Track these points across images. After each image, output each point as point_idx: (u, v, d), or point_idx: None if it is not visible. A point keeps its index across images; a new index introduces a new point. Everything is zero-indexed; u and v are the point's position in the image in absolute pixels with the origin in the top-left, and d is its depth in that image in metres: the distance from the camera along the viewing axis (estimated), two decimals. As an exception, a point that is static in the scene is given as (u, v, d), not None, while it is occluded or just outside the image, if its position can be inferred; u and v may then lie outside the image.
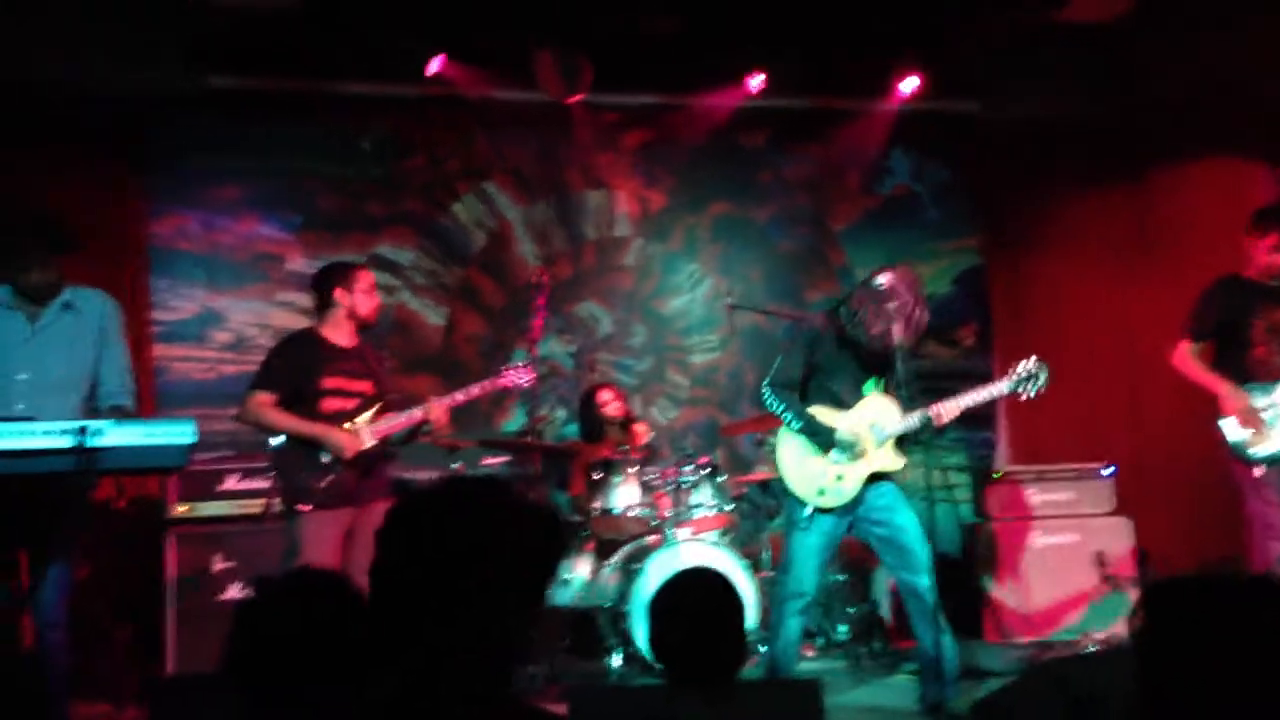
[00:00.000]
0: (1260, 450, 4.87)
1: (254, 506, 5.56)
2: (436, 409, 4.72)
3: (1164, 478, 7.17)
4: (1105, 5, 6.67)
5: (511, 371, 5.00)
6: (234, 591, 5.42)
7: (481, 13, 6.44)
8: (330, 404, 4.61)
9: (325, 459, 4.54)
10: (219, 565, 5.45)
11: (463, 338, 7.17)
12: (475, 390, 4.86)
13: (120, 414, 4.04)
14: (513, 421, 7.09)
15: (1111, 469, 6.38)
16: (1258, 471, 4.88)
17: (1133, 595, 6.12)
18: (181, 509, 5.56)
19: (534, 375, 5.06)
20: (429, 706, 1.54)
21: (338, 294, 4.73)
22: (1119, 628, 5.96)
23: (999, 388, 4.59)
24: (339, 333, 4.74)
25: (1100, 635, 5.95)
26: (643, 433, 6.35)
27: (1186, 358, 5.10)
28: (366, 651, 1.88)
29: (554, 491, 6.45)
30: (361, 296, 4.76)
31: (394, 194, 7.14)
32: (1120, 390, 7.50)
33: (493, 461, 6.19)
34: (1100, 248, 7.53)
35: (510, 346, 7.07)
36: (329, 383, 4.63)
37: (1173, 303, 6.84)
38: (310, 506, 4.50)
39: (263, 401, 4.58)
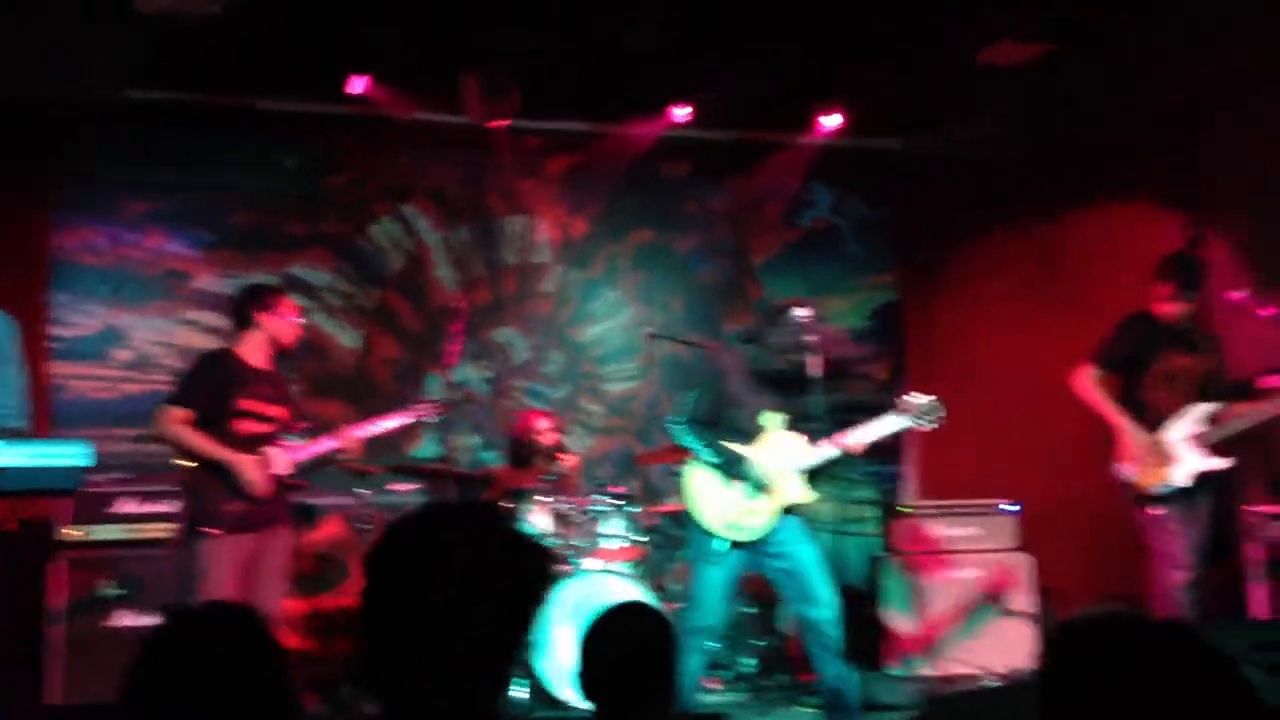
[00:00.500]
0: (1156, 488, 4.97)
1: (150, 531, 5.40)
2: (350, 438, 4.66)
3: (1068, 515, 7.29)
4: (1023, 50, 6.84)
5: (420, 405, 4.98)
6: (126, 619, 5.24)
7: (408, 33, 6.39)
8: (244, 426, 4.53)
9: (240, 483, 4.47)
10: (110, 591, 5.28)
11: (378, 361, 7.07)
12: (390, 423, 4.81)
13: (14, 436, 3.89)
14: (423, 448, 6.99)
15: (1016, 506, 6.46)
16: (1157, 511, 4.98)
17: (1032, 635, 6.20)
18: (74, 532, 5.38)
19: (441, 409, 5.04)
20: None
21: (260, 317, 4.65)
22: (1011, 661, 6.03)
23: (898, 420, 4.61)
24: (255, 355, 4.66)
25: (1000, 670, 6.01)
26: (571, 463, 6.30)
27: (1089, 384, 5.16)
28: (278, 688, 1.81)
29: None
30: (285, 323, 4.70)
31: (313, 213, 7.04)
32: (1027, 427, 7.62)
33: (403, 488, 6.08)
34: (1012, 286, 7.66)
35: (426, 371, 6.98)
36: (244, 405, 4.55)
37: (1080, 342, 7.00)
38: (219, 531, 4.39)
39: (178, 417, 4.48)
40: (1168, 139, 6.70)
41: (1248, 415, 4.93)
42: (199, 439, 4.46)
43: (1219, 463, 4.95)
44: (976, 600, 6.26)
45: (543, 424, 6.31)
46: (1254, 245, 6.17)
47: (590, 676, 2.66)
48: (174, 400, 4.54)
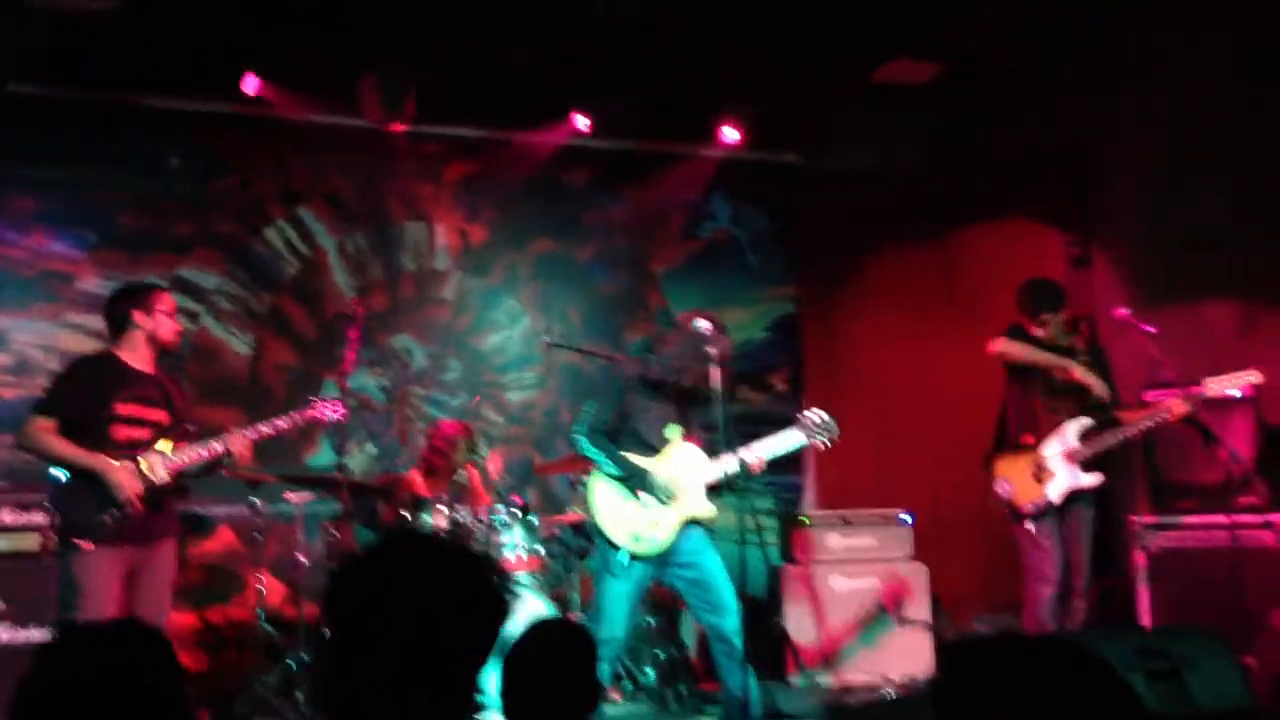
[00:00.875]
0: (1029, 505, 5.13)
1: (29, 542, 5.18)
2: (238, 442, 4.47)
3: (959, 525, 7.46)
4: (916, 70, 6.99)
5: (321, 404, 4.76)
6: (3, 634, 5.02)
7: (303, 33, 6.27)
8: (122, 432, 4.34)
9: (112, 492, 4.26)
10: (-12, 606, 5.06)
11: (270, 367, 6.90)
12: (281, 423, 4.62)
13: None
14: (319, 455, 6.85)
15: (910, 516, 6.59)
16: (1030, 526, 5.13)
17: (927, 644, 6.32)
18: (-54, 544, 5.15)
19: (344, 409, 4.84)
20: None
21: (136, 316, 4.47)
22: (908, 670, 6.15)
23: (794, 436, 4.66)
24: (136, 357, 4.47)
25: (896, 679, 6.12)
26: (479, 475, 6.26)
27: (1014, 343, 5.27)
28: (174, 704, 1.75)
29: (360, 529, 6.25)
30: (162, 320, 4.51)
31: (202, 214, 6.84)
32: (923, 437, 7.78)
33: (298, 498, 5.95)
34: (908, 300, 7.82)
35: (320, 378, 6.84)
36: (122, 409, 4.36)
37: (972, 356, 7.16)
38: (92, 544, 4.19)
39: (43, 427, 4.28)
40: (1055, 158, 6.92)
41: (1122, 429, 5.11)
42: (65, 447, 4.27)
43: (1090, 480, 5.13)
44: (873, 610, 6.37)
45: (457, 435, 6.24)
46: (1136, 262, 6.40)
47: (512, 697, 2.62)
48: (39, 407, 4.37)
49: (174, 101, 6.64)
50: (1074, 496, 5.12)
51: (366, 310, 6.45)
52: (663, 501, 4.50)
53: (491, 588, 1.64)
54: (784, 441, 4.66)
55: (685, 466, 4.57)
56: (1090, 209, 6.74)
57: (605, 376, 7.25)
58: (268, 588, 5.81)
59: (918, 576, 6.47)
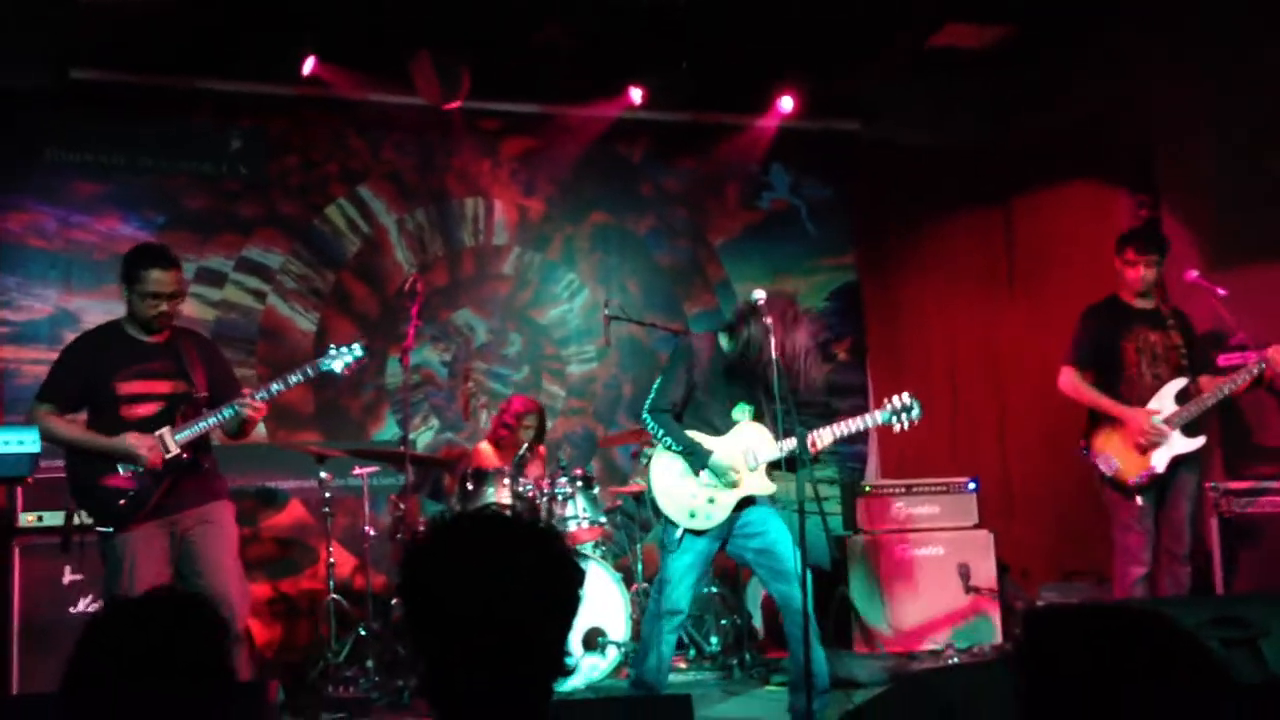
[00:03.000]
0: (1137, 478, 4.99)
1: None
2: (249, 404, 4.27)
3: (1024, 492, 7.40)
4: (977, 33, 6.88)
5: (333, 354, 4.54)
6: (84, 605, 5.18)
7: (360, 14, 6.32)
8: (130, 411, 4.21)
9: (123, 471, 4.17)
10: (69, 578, 5.20)
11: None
12: (294, 379, 4.43)
13: None
14: (385, 430, 6.95)
15: (974, 484, 6.54)
16: (1139, 500, 5.01)
17: (994, 611, 6.29)
18: (29, 519, 5.29)
19: (358, 361, 4.63)
20: None
21: (124, 289, 4.28)
22: (975, 638, 6.13)
23: (874, 418, 4.67)
24: (139, 328, 4.30)
25: (963, 647, 6.09)
26: (542, 451, 6.35)
27: (1076, 383, 5.17)
28: (220, 682, 1.81)
29: (427, 501, 6.35)
30: (138, 300, 4.23)
31: (265, 195, 6.94)
32: (985, 406, 7.72)
33: (364, 471, 6.05)
34: (970, 268, 7.75)
35: (383, 354, 6.93)
36: (126, 388, 4.22)
37: (1037, 322, 7.10)
38: (112, 528, 4.13)
39: (43, 414, 4.22)
40: (1121, 123, 6.78)
41: (1212, 392, 4.99)
42: (72, 430, 4.21)
43: (1193, 443, 5.00)
44: (938, 578, 6.34)
45: (528, 414, 6.30)
46: (1207, 223, 6.27)
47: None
48: (39, 394, 4.30)
49: (235, 84, 6.74)
50: (1177, 462, 5.00)
51: (427, 287, 6.52)
52: (720, 480, 4.51)
53: (560, 554, 1.65)
54: (860, 424, 4.66)
55: (748, 447, 4.57)
56: (1159, 169, 6.60)
57: (667, 349, 7.28)
58: (337, 559, 5.91)
59: (984, 544, 6.42)
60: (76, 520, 4.48)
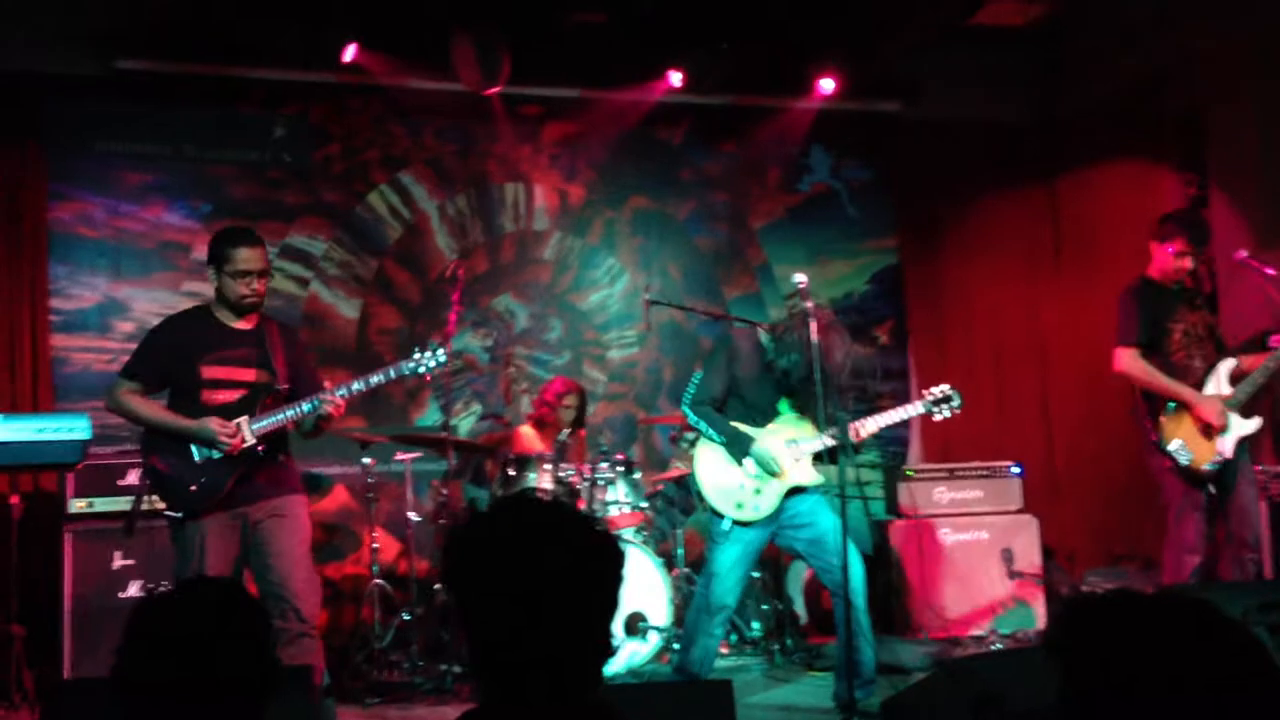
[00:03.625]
0: (1208, 465, 4.85)
1: (159, 502, 5.38)
2: (330, 400, 4.20)
3: (1070, 476, 7.33)
4: (1020, 10, 6.79)
5: (417, 358, 4.39)
6: (134, 590, 5.26)
7: (400, 1, 6.34)
8: (211, 396, 4.16)
9: (198, 458, 4.12)
10: (119, 563, 5.29)
11: (376, 330, 7.04)
12: (375, 379, 4.30)
13: None
14: (427, 416, 7.00)
15: (1019, 468, 6.48)
16: (1212, 489, 4.87)
17: (1038, 596, 6.23)
18: (80, 505, 5.38)
19: (441, 366, 4.47)
20: (520, 712, 1.58)
21: (214, 272, 4.23)
22: (1019, 623, 6.08)
23: (915, 408, 4.68)
24: (227, 313, 4.26)
25: (1006, 632, 6.05)
26: (582, 435, 6.37)
27: (1141, 365, 4.93)
28: (264, 667, 1.83)
29: (469, 486, 6.39)
30: (229, 281, 4.18)
31: (307, 183, 6.99)
32: (1030, 389, 7.65)
33: (407, 456, 6.09)
34: (1013, 249, 7.66)
35: (425, 340, 6.94)
36: (209, 372, 4.17)
37: (1082, 303, 7.01)
38: (182, 514, 4.10)
39: (126, 391, 4.20)
40: (1168, 100, 6.67)
41: (1262, 370, 4.88)
42: (152, 409, 4.18)
43: (1252, 424, 4.89)
44: (982, 563, 6.29)
45: (569, 393, 6.32)
46: (1255, 205, 6.16)
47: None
48: (124, 371, 4.28)
49: (277, 72, 6.79)
50: (1238, 445, 4.87)
51: (468, 272, 6.55)
52: (763, 470, 4.51)
53: (599, 536, 1.65)
54: (901, 414, 4.67)
55: (791, 437, 4.57)
56: (1207, 147, 6.48)
57: (708, 333, 7.27)
58: (381, 544, 5.96)
59: (1029, 529, 6.36)
60: (145, 505, 4.47)
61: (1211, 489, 4.89)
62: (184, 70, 6.59)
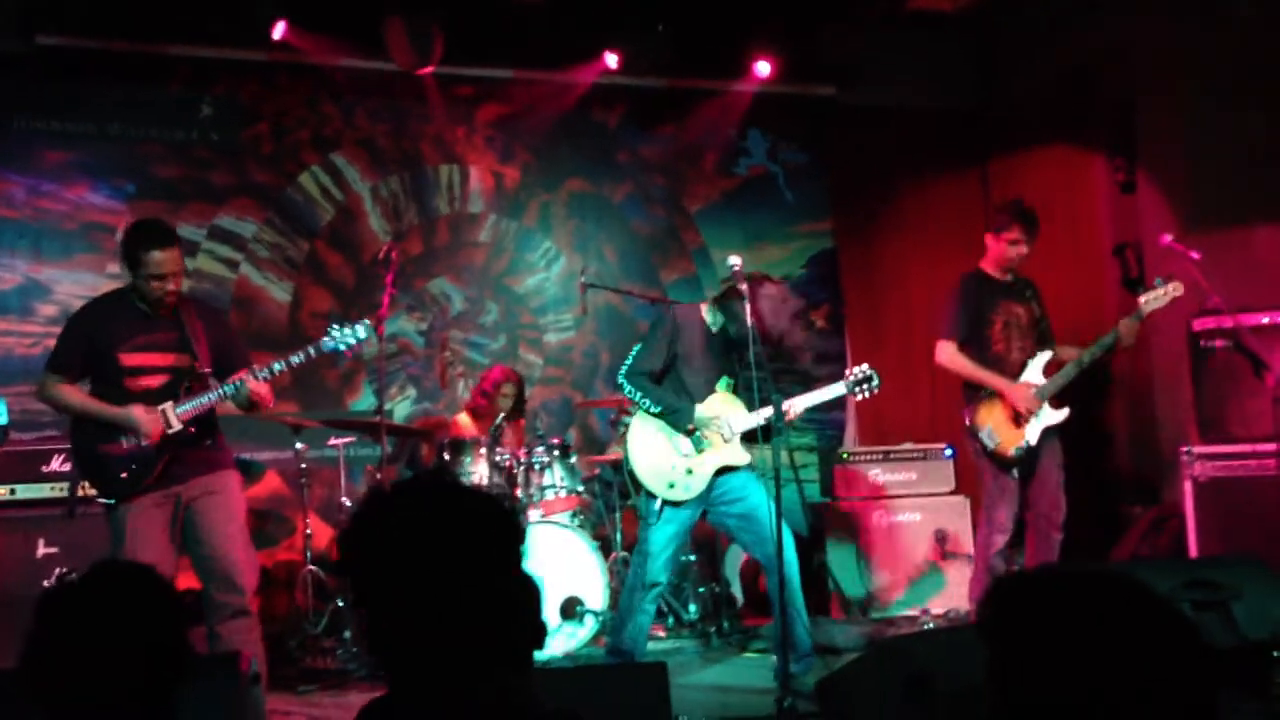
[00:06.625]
0: (1014, 451, 5.06)
1: (83, 489, 5.27)
2: (252, 381, 4.17)
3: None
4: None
5: (336, 334, 4.33)
6: (58, 578, 5.13)
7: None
8: (134, 383, 4.14)
9: (126, 443, 4.10)
10: (42, 551, 5.15)
11: (309, 314, 6.93)
12: (296, 357, 4.26)
13: None
14: (361, 400, 6.91)
15: (951, 450, 6.56)
16: (1015, 474, 5.10)
17: (951, 572, 6.32)
18: (1, 492, 5.24)
19: (361, 342, 4.45)
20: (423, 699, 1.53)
21: (125, 270, 4.20)
22: (951, 603, 6.16)
23: (837, 389, 4.77)
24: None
25: (939, 612, 6.13)
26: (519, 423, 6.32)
27: (956, 356, 5.20)
28: (174, 655, 1.79)
29: (405, 471, 6.32)
30: (142, 283, 4.12)
31: (237, 163, 6.85)
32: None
33: (341, 441, 6.01)
34: (947, 232, 7.72)
35: (359, 323, 6.85)
36: (129, 360, 4.15)
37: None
38: (114, 500, 4.10)
39: (52, 383, 4.18)
40: (1099, 87, 6.76)
41: (1074, 363, 5.09)
42: (79, 398, 4.16)
43: (1059, 415, 5.12)
44: (916, 544, 6.36)
45: (507, 383, 6.26)
46: (1183, 186, 6.27)
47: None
48: (48, 364, 4.25)
49: (204, 50, 6.64)
50: (1045, 433, 5.10)
51: (402, 255, 6.46)
52: (700, 444, 4.51)
53: (500, 517, 1.60)
54: (826, 394, 4.74)
55: (723, 415, 4.59)
56: (1137, 133, 6.59)
57: (645, 317, 7.25)
58: (315, 530, 5.88)
59: (961, 510, 6.44)
60: (80, 492, 4.47)
61: (1015, 473, 5.10)
62: (107, 47, 6.43)
